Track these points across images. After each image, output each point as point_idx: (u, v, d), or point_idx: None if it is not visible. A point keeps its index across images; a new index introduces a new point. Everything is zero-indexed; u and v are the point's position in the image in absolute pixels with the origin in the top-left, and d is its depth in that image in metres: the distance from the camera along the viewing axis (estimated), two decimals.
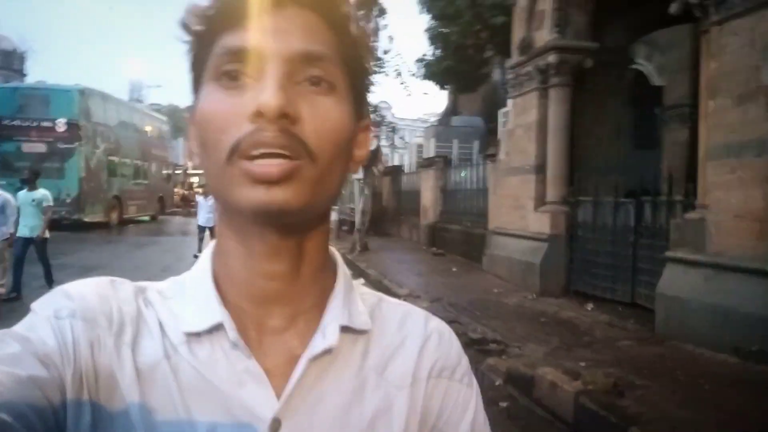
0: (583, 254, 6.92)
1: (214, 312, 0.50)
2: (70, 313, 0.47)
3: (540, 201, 7.45)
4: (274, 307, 0.52)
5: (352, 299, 0.55)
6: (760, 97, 4.20)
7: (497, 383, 4.11)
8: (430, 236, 12.44)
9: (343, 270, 0.57)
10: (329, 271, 0.56)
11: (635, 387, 3.63)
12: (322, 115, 0.47)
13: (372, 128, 0.58)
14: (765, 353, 4.04)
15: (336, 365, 0.52)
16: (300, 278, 0.52)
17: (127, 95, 35.73)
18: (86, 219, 15.00)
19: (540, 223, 7.36)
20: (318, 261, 0.54)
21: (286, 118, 0.45)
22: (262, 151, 0.44)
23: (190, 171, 28.80)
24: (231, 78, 0.47)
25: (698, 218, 4.81)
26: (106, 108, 16.89)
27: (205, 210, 10.83)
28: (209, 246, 0.56)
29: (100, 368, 0.47)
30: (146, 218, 19.96)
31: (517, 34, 7.82)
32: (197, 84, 0.50)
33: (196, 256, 9.77)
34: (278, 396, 0.49)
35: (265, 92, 0.44)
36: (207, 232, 10.56)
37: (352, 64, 0.51)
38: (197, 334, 0.50)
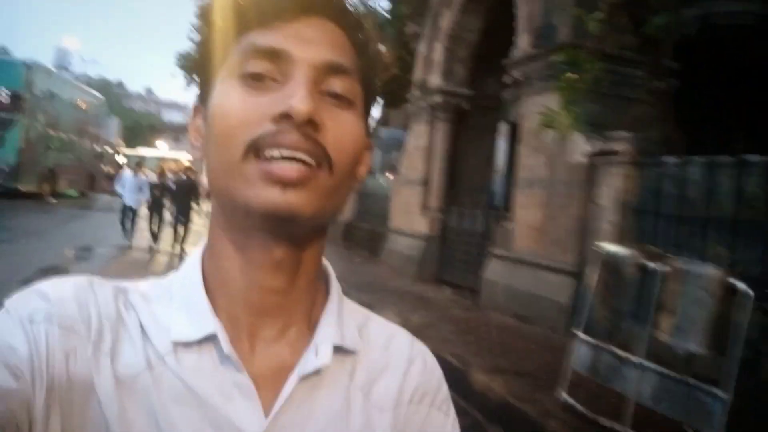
0: (449, 251, 9.19)
1: (207, 322, 0.49)
2: (46, 317, 0.46)
3: (424, 208, 9.67)
4: (269, 317, 0.52)
5: (344, 317, 0.56)
6: (543, 151, 6.54)
7: None
8: (344, 232, 14.46)
9: (336, 285, 0.58)
10: (321, 281, 0.57)
11: (451, 334, 5.82)
12: (342, 128, 0.48)
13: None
14: (535, 318, 6.34)
15: (324, 383, 0.52)
16: (295, 289, 0.52)
17: (53, 63, 35.19)
18: (21, 188, 15.91)
19: (422, 225, 9.57)
20: (313, 273, 0.54)
21: (311, 125, 0.46)
22: (283, 153, 0.45)
23: (122, 151, 29.32)
24: (256, 78, 0.47)
25: (509, 227, 7.13)
26: (50, 83, 17.79)
27: (134, 189, 10.64)
28: (197, 248, 0.55)
29: (76, 379, 0.45)
30: (75, 193, 20.73)
31: (417, 74, 10.03)
32: (208, 79, 0.51)
33: (124, 247, 10.18)
34: (265, 410, 0.48)
35: (295, 96, 0.45)
36: (131, 214, 10.62)
37: (368, 82, 0.53)
38: (186, 344, 0.49)
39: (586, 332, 3.63)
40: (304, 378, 0.50)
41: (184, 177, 10.70)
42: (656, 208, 5.29)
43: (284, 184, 0.45)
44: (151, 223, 10.83)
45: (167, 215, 10.88)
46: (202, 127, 0.53)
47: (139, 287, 0.53)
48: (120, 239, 10.79)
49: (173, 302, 0.51)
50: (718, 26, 7.42)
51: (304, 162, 0.46)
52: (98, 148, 23.08)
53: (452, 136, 9.57)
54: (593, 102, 6.01)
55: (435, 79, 9.46)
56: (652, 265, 3.22)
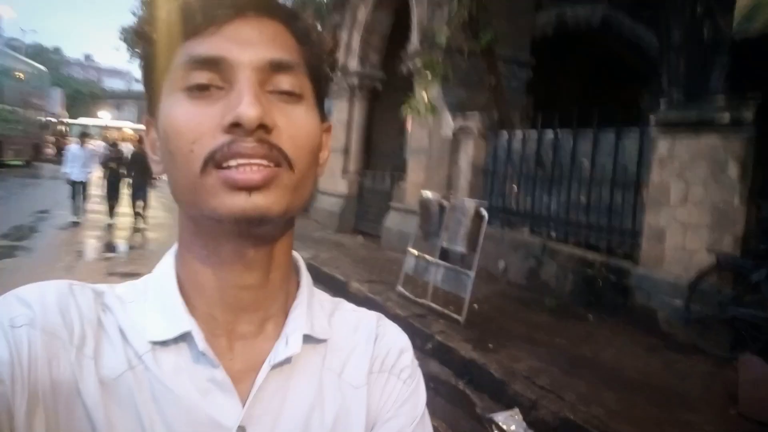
0: (364, 207, 11.18)
1: (182, 320, 0.50)
2: (27, 322, 0.46)
3: (344, 171, 11.58)
4: (245, 313, 0.53)
5: (313, 307, 0.58)
6: (426, 127, 8.52)
7: None
8: None
9: (306, 276, 0.59)
10: (293, 274, 0.58)
11: (347, 263, 7.81)
12: (295, 124, 0.49)
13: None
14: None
15: (297, 371, 0.54)
16: (269, 284, 0.54)
17: None
18: None
19: (343, 186, 11.50)
20: (285, 266, 0.56)
21: (263, 129, 0.46)
22: (240, 161, 0.46)
23: (65, 120, 29.73)
24: (200, 88, 0.47)
25: (404, 185, 9.15)
26: None
27: (80, 161, 10.15)
28: (170, 250, 0.56)
29: (60, 383, 0.46)
30: (21, 163, 21.53)
31: (340, 59, 11.80)
32: (155, 92, 0.51)
33: (75, 223, 9.86)
34: (244, 403, 0.50)
35: (241, 103, 0.45)
36: (81, 189, 10.15)
37: (316, 71, 0.53)
38: (163, 343, 0.50)
39: (413, 248, 5.70)
40: (276, 367, 0.52)
41: (140, 147, 10.69)
42: (494, 168, 7.40)
43: (249, 188, 0.46)
44: (108, 197, 10.47)
45: (124, 188, 10.66)
46: (156, 140, 0.53)
47: (115, 290, 0.54)
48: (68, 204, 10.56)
49: (148, 303, 0.52)
50: (571, 26, 9.54)
51: (263, 166, 0.46)
52: (42, 119, 23.74)
53: (368, 111, 11.49)
54: (459, 89, 8.01)
55: (353, 64, 11.27)
56: (443, 202, 5.28)
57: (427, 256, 5.42)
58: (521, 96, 8.65)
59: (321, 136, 0.54)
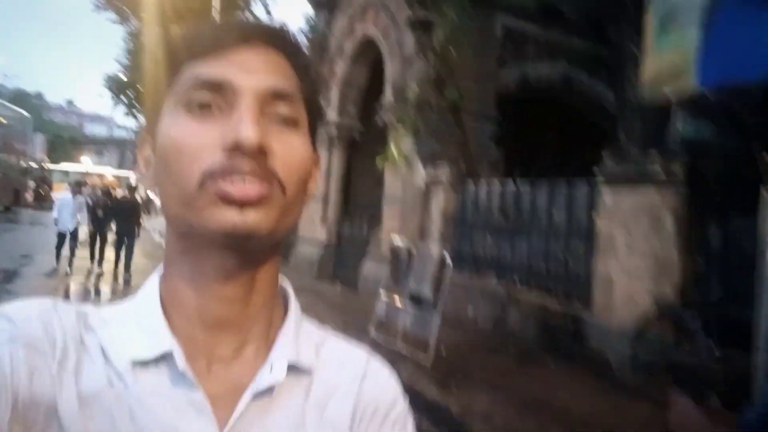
0: (343, 254, 11.49)
1: (163, 340, 0.51)
2: (9, 338, 0.47)
3: (323, 219, 11.95)
4: (224, 334, 0.54)
5: (300, 336, 0.58)
6: (399, 177, 8.96)
7: None
8: None
9: (294, 304, 0.60)
10: (278, 300, 0.59)
11: (321, 309, 8.08)
12: (289, 150, 0.51)
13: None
14: None
15: (279, 401, 0.53)
16: (250, 306, 0.55)
17: None
18: None
19: (322, 233, 11.85)
20: (269, 291, 0.57)
21: (260, 152, 0.48)
22: (236, 178, 0.48)
23: (47, 166, 29.88)
24: (201, 107, 0.50)
25: (380, 233, 9.52)
26: None
27: (69, 210, 9.94)
28: (155, 272, 0.57)
29: (39, 397, 0.47)
30: (0, 208, 21.55)
31: None
32: (155, 110, 0.54)
33: (55, 270, 9.68)
34: (221, 427, 0.50)
35: (243, 127, 0.48)
36: (69, 238, 9.90)
37: (311, 104, 0.57)
38: (144, 363, 0.51)
39: (384, 292, 6.04)
40: (258, 395, 0.52)
41: (125, 195, 10.65)
42: (463, 217, 7.84)
43: (242, 204, 0.48)
44: (92, 246, 10.33)
45: (109, 236, 10.47)
46: (151, 157, 0.55)
47: (100, 312, 0.55)
48: (50, 248, 10.44)
49: (131, 323, 0.53)
50: (533, 83, 10.24)
51: (257, 184, 0.48)
52: (24, 164, 23.91)
53: (347, 161, 11.98)
54: (431, 141, 8.52)
55: (332, 115, 11.83)
56: (411, 249, 5.65)
57: (397, 300, 5.75)
58: (489, 148, 9.21)
59: (311, 166, 0.56)
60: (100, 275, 10.14)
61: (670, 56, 3.20)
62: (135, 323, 0.53)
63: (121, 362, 0.50)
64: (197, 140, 0.49)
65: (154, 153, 0.54)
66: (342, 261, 11.48)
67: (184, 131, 0.50)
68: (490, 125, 9.39)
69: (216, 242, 0.50)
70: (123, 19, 19.42)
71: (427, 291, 5.32)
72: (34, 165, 26.02)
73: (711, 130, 3.60)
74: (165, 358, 0.51)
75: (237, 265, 0.52)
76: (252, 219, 0.48)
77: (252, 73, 0.51)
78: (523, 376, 5.19)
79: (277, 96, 0.51)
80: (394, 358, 5.46)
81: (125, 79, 20.48)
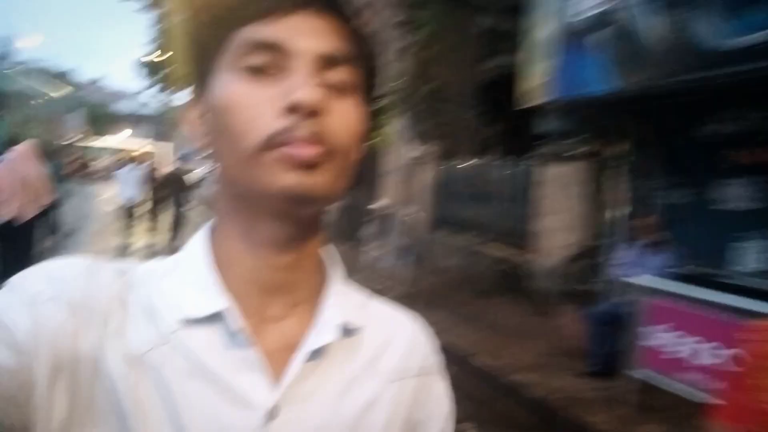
0: (351, 219, 13.31)
1: (217, 298, 0.52)
2: (51, 296, 0.48)
3: None
4: (276, 296, 0.55)
5: (347, 296, 0.60)
6: (396, 153, 10.65)
7: None
8: None
9: (340, 266, 0.62)
10: (324, 262, 0.61)
11: None
12: (344, 115, 0.52)
13: None
14: None
15: (330, 358, 0.55)
16: (301, 269, 0.56)
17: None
18: None
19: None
20: (317, 254, 0.58)
21: (317, 114, 0.49)
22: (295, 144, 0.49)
23: (86, 142, 32.21)
24: (258, 71, 0.50)
25: (384, 198, 11.28)
26: (25, 83, 20.99)
27: (133, 182, 9.98)
28: (204, 227, 0.58)
29: (83, 357, 0.47)
30: None
31: None
32: (205, 70, 0.53)
33: (124, 247, 9.45)
34: (274, 384, 0.52)
35: (301, 88, 0.48)
36: (130, 211, 9.86)
37: (368, 68, 0.56)
38: (195, 320, 0.51)
39: (368, 245, 7.84)
40: (311, 354, 0.53)
41: (177, 167, 10.78)
42: (446, 187, 9.54)
43: (302, 167, 0.48)
44: (151, 218, 10.35)
45: (169, 210, 10.37)
46: (202, 117, 0.55)
47: (144, 265, 0.56)
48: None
49: (182, 279, 0.54)
50: (507, 74, 11.71)
51: (316, 147, 0.49)
52: (66, 140, 26.28)
53: None
54: (420, 123, 10.18)
55: None
56: (392, 210, 7.41)
57: (381, 250, 7.55)
58: (470, 130, 10.82)
59: (364, 130, 0.55)
60: (156, 250, 9.90)
61: (535, 79, 4.86)
62: (185, 279, 0.54)
63: (171, 319, 0.51)
64: (255, 103, 0.49)
65: (206, 116, 0.54)
66: (352, 224, 13.32)
67: (241, 94, 0.50)
68: (471, 110, 10.99)
69: (272, 209, 0.51)
70: (153, 3, 21.13)
71: (403, 241, 7.08)
72: (75, 140, 28.38)
73: (562, 124, 5.22)
74: (218, 316, 0.52)
75: (290, 234, 0.53)
76: (311, 181, 0.49)
77: (307, 36, 0.51)
78: (477, 305, 6.95)
79: (332, 61, 0.51)
80: (380, 291, 7.27)
81: (157, 60, 22.24)
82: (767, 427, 1.51)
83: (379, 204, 7.96)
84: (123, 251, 9.53)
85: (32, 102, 21.35)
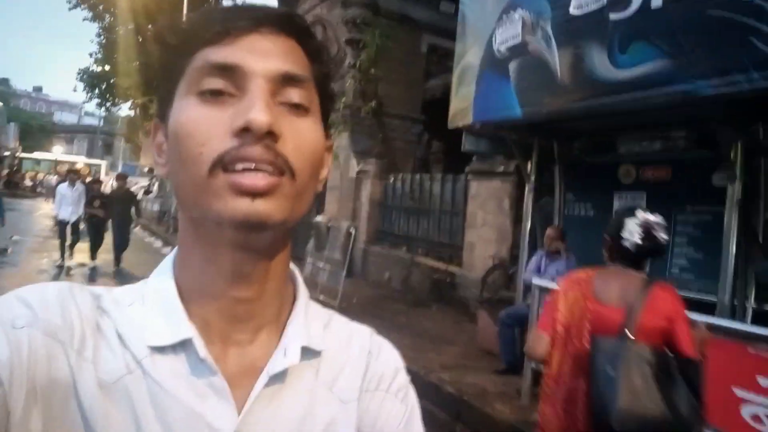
0: (294, 233, 13.55)
1: (182, 327, 0.52)
2: (28, 322, 0.48)
3: None
4: (240, 323, 0.55)
5: (310, 319, 0.60)
6: (338, 169, 10.99)
7: None
8: None
9: (303, 289, 0.62)
10: (289, 283, 0.61)
11: None
12: (301, 136, 0.51)
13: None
14: None
15: (291, 382, 0.56)
16: (265, 296, 0.56)
17: None
18: None
19: None
20: (281, 279, 0.58)
21: (270, 136, 0.48)
22: (246, 165, 0.48)
23: (19, 155, 31.08)
24: (213, 93, 0.50)
25: (321, 217, 11.56)
26: None
27: (69, 201, 9.55)
28: (169, 255, 0.58)
29: (58, 383, 0.48)
30: None
31: None
32: (167, 96, 0.54)
33: (60, 267, 9.09)
34: (239, 409, 0.52)
35: (253, 109, 0.48)
36: (69, 229, 9.50)
37: (323, 88, 0.57)
38: (161, 348, 0.52)
39: (309, 257, 8.14)
40: (273, 377, 0.54)
41: (120, 185, 10.00)
42: (386, 203, 9.94)
43: (253, 194, 0.48)
44: (92, 239, 9.83)
45: (103, 229, 9.94)
46: (164, 144, 0.55)
47: (113, 293, 0.56)
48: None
49: (147, 308, 0.54)
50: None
51: (267, 171, 0.48)
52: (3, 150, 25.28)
53: None
54: (364, 139, 10.58)
55: None
56: (329, 224, 7.73)
57: (317, 262, 7.85)
58: (415, 146, 11.32)
59: (324, 152, 0.56)
60: (94, 269, 9.61)
61: (461, 102, 5.34)
62: (151, 308, 0.54)
63: (138, 348, 0.52)
64: (209, 126, 0.49)
65: (166, 140, 0.54)
66: (293, 241, 13.47)
67: (196, 118, 0.50)
68: (417, 126, 11.51)
69: (229, 238, 0.51)
70: (97, 16, 20.85)
71: (337, 255, 7.41)
72: (7, 154, 27.30)
73: (484, 144, 5.73)
74: (183, 345, 0.52)
75: (252, 264, 0.53)
76: (263, 208, 0.48)
77: (263, 57, 0.51)
78: (411, 315, 7.33)
79: (288, 81, 0.52)
80: (315, 301, 7.56)
81: (98, 71, 21.85)
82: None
83: (320, 218, 8.25)
84: (60, 271, 9.13)
85: None
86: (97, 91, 22.11)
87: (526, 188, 5.55)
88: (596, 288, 2.17)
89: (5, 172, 27.24)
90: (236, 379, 0.54)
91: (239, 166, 0.48)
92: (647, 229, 2.13)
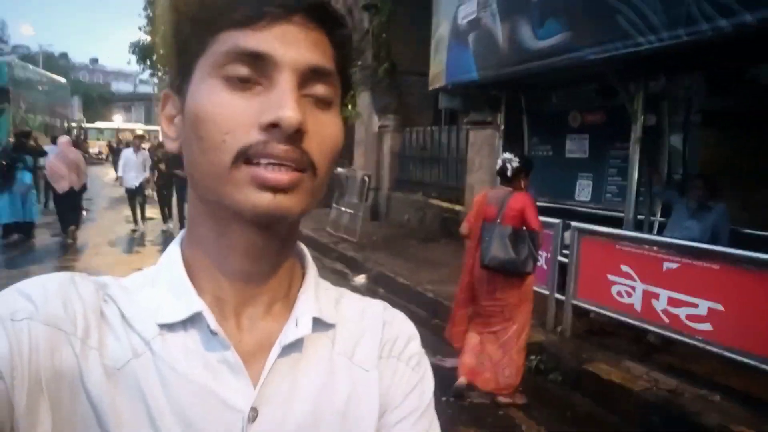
0: (328, 186, 15.06)
1: (191, 302, 0.53)
2: (28, 315, 0.48)
3: None
4: (253, 297, 0.56)
5: (320, 293, 0.61)
6: (363, 125, 12.28)
7: None
8: None
9: (312, 265, 0.63)
10: (298, 261, 0.63)
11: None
12: (324, 131, 0.52)
13: None
14: None
15: (307, 354, 0.57)
16: (278, 269, 0.57)
17: None
18: None
19: None
20: (292, 256, 0.60)
21: (297, 134, 0.48)
22: (272, 161, 0.48)
23: (84, 125, 33.88)
24: (240, 80, 0.49)
25: (354, 166, 12.96)
26: (26, 76, 22.58)
27: (132, 165, 9.97)
28: (176, 239, 0.59)
29: (63, 374, 0.48)
30: None
31: None
32: (184, 69, 0.53)
33: (134, 231, 9.97)
34: (254, 383, 0.52)
35: (284, 106, 0.48)
36: (136, 196, 9.97)
37: (345, 78, 0.56)
38: (171, 326, 0.52)
39: (335, 203, 9.61)
40: (287, 350, 0.55)
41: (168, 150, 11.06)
42: (404, 153, 11.22)
43: (275, 189, 0.48)
44: (161, 201, 10.32)
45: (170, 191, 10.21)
46: (176, 118, 0.55)
47: (120, 281, 0.56)
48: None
49: (156, 289, 0.55)
50: None
51: (291, 167, 0.49)
52: (66, 125, 27.92)
53: None
54: (384, 97, 11.79)
55: None
56: (347, 173, 9.14)
57: (341, 207, 9.30)
58: (429, 101, 12.43)
59: (342, 143, 0.55)
60: (166, 231, 10.17)
61: (436, 67, 6.54)
62: (160, 288, 0.55)
63: (147, 329, 0.52)
64: (233, 115, 0.49)
65: (181, 114, 0.54)
66: (328, 191, 15.02)
67: (220, 103, 0.49)
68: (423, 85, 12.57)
69: (245, 221, 0.51)
70: None
71: (355, 199, 8.82)
72: (74, 125, 30.00)
73: (457, 102, 6.91)
74: (194, 319, 0.53)
75: (265, 243, 0.54)
76: (285, 204, 0.49)
77: (293, 47, 0.50)
78: (419, 248, 8.71)
79: (316, 74, 0.51)
80: (337, 240, 9.07)
81: (148, 43, 23.54)
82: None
83: (340, 170, 9.67)
84: (133, 234, 9.95)
85: (32, 90, 22.88)
86: (148, 62, 23.88)
87: (497, 135, 6.74)
88: (488, 196, 3.84)
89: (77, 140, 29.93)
90: (250, 355, 0.54)
91: (264, 161, 0.48)
92: (503, 162, 3.64)
